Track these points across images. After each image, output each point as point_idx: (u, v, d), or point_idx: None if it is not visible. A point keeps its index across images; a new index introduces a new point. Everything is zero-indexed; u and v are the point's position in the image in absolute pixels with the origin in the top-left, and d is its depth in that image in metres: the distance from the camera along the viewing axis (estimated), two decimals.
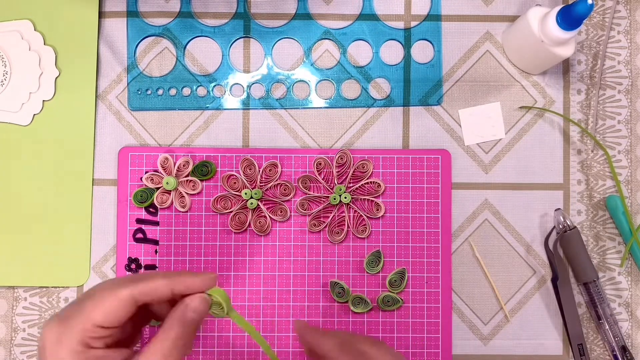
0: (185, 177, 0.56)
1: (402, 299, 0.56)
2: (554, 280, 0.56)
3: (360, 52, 0.58)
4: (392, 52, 0.58)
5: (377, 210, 0.56)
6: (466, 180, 0.58)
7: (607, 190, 0.58)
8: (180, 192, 0.56)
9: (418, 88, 0.58)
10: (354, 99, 0.58)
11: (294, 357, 0.56)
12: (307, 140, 0.58)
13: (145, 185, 0.56)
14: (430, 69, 0.58)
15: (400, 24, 0.59)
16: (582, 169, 0.58)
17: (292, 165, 0.57)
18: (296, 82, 0.58)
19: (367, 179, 0.56)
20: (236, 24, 0.58)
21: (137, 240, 0.56)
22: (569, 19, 0.49)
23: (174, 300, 0.39)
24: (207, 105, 0.58)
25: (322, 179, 0.56)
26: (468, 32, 0.58)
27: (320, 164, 0.56)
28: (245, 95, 0.58)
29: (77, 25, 0.57)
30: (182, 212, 0.56)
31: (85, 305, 0.36)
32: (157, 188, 0.56)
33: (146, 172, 0.56)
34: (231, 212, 0.56)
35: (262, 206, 0.56)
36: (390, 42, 0.58)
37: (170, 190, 0.56)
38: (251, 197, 0.55)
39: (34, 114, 0.57)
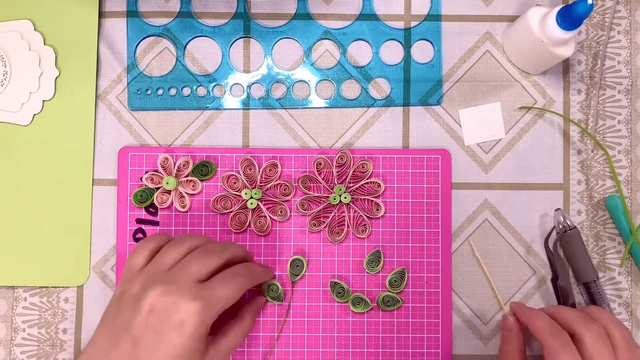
0: (185, 177, 0.56)
1: (402, 299, 0.56)
2: (554, 280, 0.56)
3: (360, 52, 0.58)
4: (392, 52, 0.58)
5: (377, 210, 0.56)
6: (466, 180, 0.58)
7: (607, 190, 0.58)
8: (180, 192, 0.56)
9: (418, 88, 0.58)
10: (354, 99, 0.58)
11: (294, 356, 0.56)
12: (307, 140, 0.58)
13: (145, 185, 0.56)
14: (430, 69, 0.58)
15: (400, 24, 0.59)
16: (582, 169, 0.58)
17: (292, 165, 0.57)
18: (296, 82, 0.58)
19: (367, 179, 0.56)
20: (236, 24, 0.58)
21: (137, 240, 0.56)
22: (569, 19, 0.49)
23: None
24: (207, 105, 0.58)
25: (322, 179, 0.56)
26: (468, 32, 0.58)
27: (320, 164, 0.56)
28: (245, 95, 0.58)
29: (77, 25, 0.57)
30: (182, 212, 0.56)
31: (222, 291, 0.45)
32: (157, 188, 0.56)
33: (146, 172, 0.56)
34: (231, 212, 0.56)
35: (262, 206, 0.56)
36: (390, 42, 0.58)
37: (170, 190, 0.56)
38: (251, 197, 0.55)
39: (34, 114, 0.57)
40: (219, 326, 0.47)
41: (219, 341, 0.47)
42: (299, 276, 0.56)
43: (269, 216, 0.56)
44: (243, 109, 0.58)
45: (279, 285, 0.55)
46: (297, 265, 0.56)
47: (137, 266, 0.47)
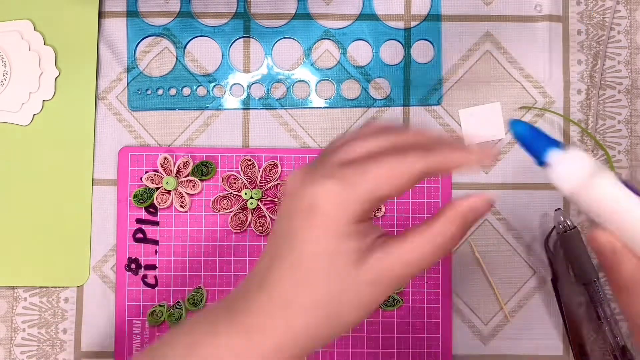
0: (185, 177, 0.56)
1: (402, 299, 0.56)
2: (554, 280, 0.56)
3: (360, 52, 0.58)
4: (392, 52, 0.58)
5: (377, 210, 0.56)
6: (466, 180, 0.58)
7: None
8: (180, 192, 0.56)
9: (418, 88, 0.58)
10: (354, 99, 0.58)
11: None
12: (307, 140, 0.58)
13: (145, 185, 0.56)
14: (430, 69, 0.58)
15: (400, 24, 0.59)
16: None
17: (292, 165, 0.57)
18: (296, 82, 0.58)
19: None
20: (236, 24, 0.58)
21: (137, 240, 0.56)
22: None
23: None
24: (207, 105, 0.58)
25: None
26: (468, 32, 0.58)
27: None
28: (245, 95, 0.58)
29: (77, 25, 0.57)
30: (182, 212, 0.56)
31: (370, 170, 0.31)
32: (157, 188, 0.56)
33: (146, 172, 0.56)
34: (231, 212, 0.56)
35: (262, 206, 0.56)
36: (390, 42, 0.58)
37: (170, 190, 0.56)
38: (251, 197, 0.55)
39: (34, 114, 0.57)
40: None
41: (389, 244, 0.32)
42: None
43: (269, 216, 0.56)
44: (243, 109, 0.58)
45: None
46: None
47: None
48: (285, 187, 0.36)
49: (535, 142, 0.37)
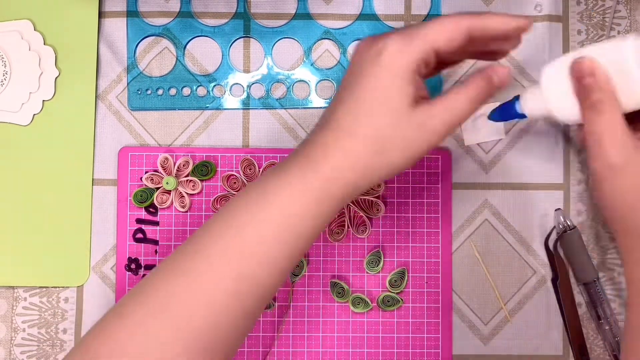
0: (185, 177, 0.56)
1: (402, 299, 0.56)
2: (554, 280, 0.56)
3: None
4: None
5: (377, 210, 0.56)
6: (466, 180, 0.58)
7: None
8: (180, 192, 0.56)
9: None
10: None
11: (294, 356, 0.56)
12: None
13: (145, 185, 0.56)
14: None
15: (400, 24, 0.59)
16: (582, 169, 0.58)
17: None
18: (296, 82, 0.58)
19: None
20: (236, 24, 0.58)
21: (137, 240, 0.56)
22: None
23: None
24: (207, 105, 0.58)
25: None
26: None
27: None
28: (245, 95, 0.58)
29: (77, 25, 0.57)
30: (182, 212, 0.56)
31: (428, 27, 0.37)
32: (157, 188, 0.56)
33: (146, 172, 0.56)
34: None
35: None
36: None
37: (170, 190, 0.56)
38: None
39: (34, 114, 0.57)
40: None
41: (435, 102, 0.38)
42: (299, 276, 0.56)
43: None
44: (243, 109, 0.58)
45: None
46: (297, 266, 0.56)
47: None
48: (358, 45, 0.39)
49: (505, 111, 0.48)
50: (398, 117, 0.37)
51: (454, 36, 0.37)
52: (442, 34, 0.37)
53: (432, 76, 0.43)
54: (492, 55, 0.43)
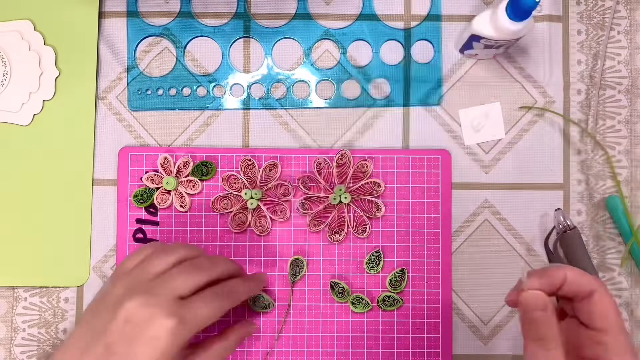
0: (185, 177, 0.56)
1: (402, 299, 0.56)
2: None
3: (360, 52, 0.58)
4: (392, 52, 0.58)
5: (377, 210, 0.56)
6: (466, 180, 0.58)
7: (607, 190, 0.58)
8: (180, 192, 0.56)
9: (418, 88, 0.58)
10: (354, 99, 0.58)
11: (294, 356, 0.56)
12: (307, 140, 0.58)
13: (145, 185, 0.56)
14: (430, 69, 0.58)
15: (400, 24, 0.59)
16: (582, 169, 0.58)
17: (292, 165, 0.57)
18: (296, 82, 0.58)
19: (367, 179, 0.56)
20: (236, 24, 0.58)
21: (137, 240, 0.56)
22: (518, 11, 0.49)
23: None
24: (207, 105, 0.58)
25: (322, 179, 0.56)
26: None
27: (320, 164, 0.56)
28: (245, 95, 0.58)
29: (77, 25, 0.57)
30: (182, 212, 0.56)
31: (200, 312, 0.44)
32: (157, 188, 0.56)
33: (146, 172, 0.56)
34: (231, 212, 0.56)
35: (262, 206, 0.56)
36: (390, 42, 0.58)
37: (170, 190, 0.56)
38: (251, 197, 0.55)
39: (34, 114, 0.57)
40: (203, 337, 0.48)
41: (198, 355, 0.46)
42: (299, 276, 0.56)
43: (269, 216, 0.56)
44: (243, 109, 0.58)
45: (265, 296, 0.55)
46: (297, 265, 0.56)
47: (127, 269, 0.47)
48: (128, 313, 0.43)
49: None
50: None
51: (220, 315, 0.46)
52: (212, 317, 0.45)
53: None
54: None
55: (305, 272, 0.56)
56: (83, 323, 0.44)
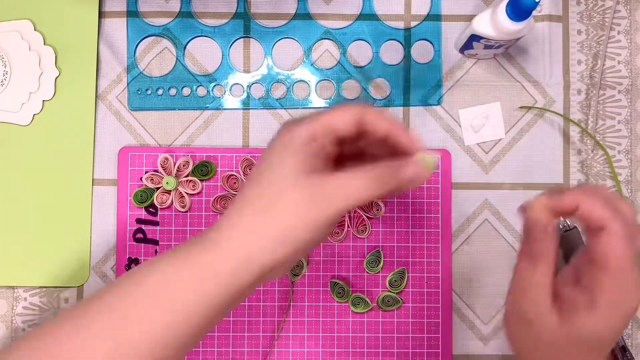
0: (185, 177, 0.56)
1: (402, 299, 0.56)
2: None
3: (360, 52, 0.58)
4: (392, 52, 0.58)
5: (377, 210, 0.56)
6: (466, 180, 0.58)
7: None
8: (180, 192, 0.56)
9: (418, 88, 0.58)
10: (354, 99, 0.58)
11: (294, 356, 0.56)
12: None
13: (145, 185, 0.56)
14: (430, 69, 0.58)
15: (400, 24, 0.59)
16: (582, 169, 0.58)
17: None
18: (296, 82, 0.58)
19: None
20: (236, 24, 0.58)
21: (137, 240, 0.56)
22: (518, 10, 0.49)
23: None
24: (207, 105, 0.58)
25: None
26: None
27: None
28: (245, 95, 0.58)
29: (77, 25, 0.57)
30: (182, 212, 0.56)
31: (326, 111, 0.39)
32: (157, 188, 0.56)
33: (146, 172, 0.56)
34: None
35: None
36: (390, 42, 0.58)
37: (170, 190, 0.56)
38: None
39: (34, 114, 0.57)
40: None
41: (332, 175, 0.38)
42: (299, 276, 0.56)
43: None
44: (243, 109, 0.58)
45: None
46: (297, 266, 0.56)
47: None
48: (277, 132, 0.40)
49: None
50: (285, 181, 0.37)
51: (346, 120, 0.38)
52: (335, 118, 0.38)
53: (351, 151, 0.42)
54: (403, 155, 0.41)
55: (305, 272, 0.56)
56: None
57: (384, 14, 0.58)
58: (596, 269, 0.37)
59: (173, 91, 0.58)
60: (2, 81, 0.56)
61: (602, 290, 0.37)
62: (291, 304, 0.56)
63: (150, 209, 0.56)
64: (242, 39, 0.58)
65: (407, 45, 0.58)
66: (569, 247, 0.56)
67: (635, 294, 0.37)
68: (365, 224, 0.56)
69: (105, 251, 0.57)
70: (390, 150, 0.40)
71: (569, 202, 0.38)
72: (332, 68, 0.58)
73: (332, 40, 0.58)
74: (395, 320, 0.56)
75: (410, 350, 0.56)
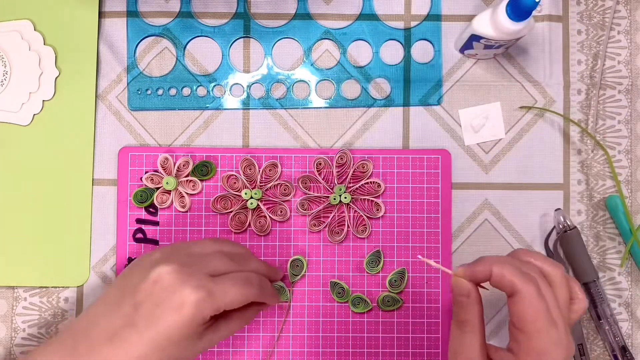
0: (185, 177, 0.56)
1: (402, 299, 0.56)
2: None
3: (360, 52, 0.58)
4: (392, 52, 0.58)
5: (377, 210, 0.56)
6: (466, 180, 0.58)
7: (607, 190, 0.58)
8: (180, 192, 0.56)
9: (418, 88, 0.58)
10: (354, 99, 0.58)
11: (294, 356, 0.56)
12: (307, 140, 0.58)
13: (145, 185, 0.56)
14: (430, 69, 0.58)
15: (400, 24, 0.59)
16: (582, 169, 0.58)
17: (292, 165, 0.57)
18: (296, 82, 0.58)
19: (367, 179, 0.56)
20: (236, 24, 0.58)
21: (137, 240, 0.56)
22: (518, 10, 0.49)
23: None
24: (207, 105, 0.58)
25: (322, 179, 0.56)
26: None
27: (320, 164, 0.56)
28: (245, 95, 0.58)
29: (77, 25, 0.57)
30: (182, 212, 0.56)
31: (228, 292, 0.45)
32: (157, 188, 0.56)
33: (146, 172, 0.56)
34: (231, 212, 0.56)
35: (262, 206, 0.56)
36: (390, 42, 0.58)
37: (170, 190, 0.56)
38: (251, 197, 0.55)
39: (34, 114, 0.57)
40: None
41: (218, 327, 0.47)
42: (299, 276, 0.56)
43: (269, 216, 0.56)
44: (243, 109, 0.58)
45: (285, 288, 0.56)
46: (297, 266, 0.56)
47: (170, 245, 0.49)
48: (160, 276, 0.44)
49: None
50: (188, 349, 0.45)
51: (245, 302, 0.46)
52: (238, 301, 0.46)
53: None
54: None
55: (305, 272, 0.56)
56: (115, 283, 0.46)
57: (384, 14, 0.58)
58: (517, 332, 0.40)
59: (173, 91, 0.58)
60: (2, 81, 0.56)
61: (524, 352, 0.40)
62: (291, 303, 0.56)
63: (150, 209, 0.56)
64: (242, 39, 0.58)
65: (407, 45, 0.58)
66: (569, 247, 0.56)
67: (555, 354, 0.40)
68: (365, 224, 0.56)
69: (105, 251, 0.57)
70: None
71: (482, 270, 0.41)
72: (332, 68, 0.58)
73: (332, 40, 0.58)
74: (395, 320, 0.56)
75: (410, 350, 0.56)
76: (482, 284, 0.43)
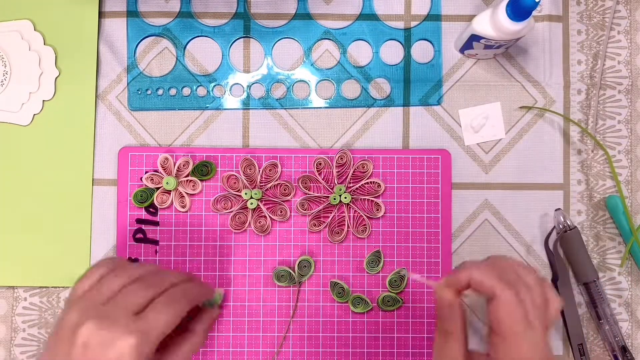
0: (185, 177, 0.56)
1: (402, 299, 0.56)
2: (554, 280, 0.56)
3: (360, 52, 0.58)
4: (392, 52, 0.58)
5: (377, 210, 0.56)
6: (466, 180, 0.58)
7: (607, 190, 0.58)
8: (180, 192, 0.56)
9: (418, 88, 0.58)
10: (354, 99, 0.58)
11: (294, 356, 0.56)
12: (307, 140, 0.58)
13: (145, 185, 0.56)
14: (430, 69, 0.58)
15: (400, 24, 0.59)
16: (582, 169, 0.58)
17: (292, 165, 0.57)
18: (296, 82, 0.58)
19: (367, 179, 0.56)
20: (236, 24, 0.58)
21: (137, 240, 0.56)
22: (518, 10, 0.49)
23: None
24: (207, 105, 0.58)
25: (322, 179, 0.56)
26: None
27: (320, 164, 0.56)
28: (245, 95, 0.58)
29: (77, 25, 0.57)
30: (182, 212, 0.56)
31: (158, 323, 0.44)
32: (157, 188, 0.56)
33: (146, 172, 0.56)
34: (231, 212, 0.56)
35: (262, 206, 0.56)
36: (390, 42, 0.58)
37: (170, 190, 0.56)
38: (251, 197, 0.55)
39: (34, 114, 0.57)
40: (170, 339, 0.46)
41: (174, 350, 0.46)
42: (307, 277, 0.56)
43: (269, 216, 0.56)
44: (243, 109, 0.58)
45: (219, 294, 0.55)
46: (305, 266, 0.56)
47: (79, 293, 0.46)
48: (86, 338, 0.42)
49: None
50: None
51: (179, 319, 0.44)
52: (170, 323, 0.44)
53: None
54: None
55: (312, 272, 0.56)
56: (46, 353, 0.44)
57: (384, 14, 0.58)
58: (495, 336, 0.41)
59: (173, 91, 0.58)
60: (2, 81, 0.56)
61: (501, 356, 0.41)
62: (297, 304, 0.56)
63: (150, 209, 0.56)
64: (242, 39, 0.58)
65: (407, 45, 0.58)
66: (569, 247, 0.56)
67: (532, 357, 0.41)
68: (365, 224, 0.56)
69: (105, 251, 0.57)
70: None
71: (463, 277, 0.43)
72: (332, 68, 0.58)
73: (332, 40, 0.58)
74: (395, 320, 0.56)
75: (410, 350, 0.56)
76: (464, 292, 0.44)
